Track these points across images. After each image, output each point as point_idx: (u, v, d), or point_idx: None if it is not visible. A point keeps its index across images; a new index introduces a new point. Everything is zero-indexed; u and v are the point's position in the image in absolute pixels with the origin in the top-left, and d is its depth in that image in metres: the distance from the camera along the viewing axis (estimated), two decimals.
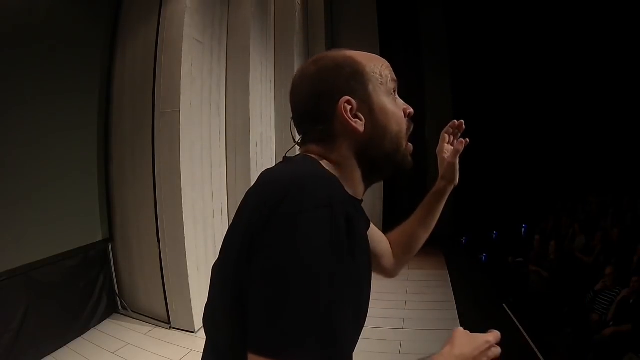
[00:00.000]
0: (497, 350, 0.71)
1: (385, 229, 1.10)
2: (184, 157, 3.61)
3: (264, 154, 4.94)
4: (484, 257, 6.27)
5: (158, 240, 3.75)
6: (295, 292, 0.54)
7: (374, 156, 0.75)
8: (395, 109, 0.76)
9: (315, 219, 0.57)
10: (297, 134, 0.80)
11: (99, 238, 3.85)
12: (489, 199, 7.96)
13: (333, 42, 7.11)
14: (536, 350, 3.52)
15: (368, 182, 0.78)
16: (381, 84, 0.75)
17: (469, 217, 7.78)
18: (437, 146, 1.07)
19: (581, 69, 8.06)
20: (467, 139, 1.03)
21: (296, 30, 5.84)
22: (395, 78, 0.78)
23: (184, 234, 3.61)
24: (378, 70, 0.76)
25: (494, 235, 7.16)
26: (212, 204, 4.12)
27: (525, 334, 3.82)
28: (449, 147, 1.06)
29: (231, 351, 0.64)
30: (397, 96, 0.78)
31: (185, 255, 3.63)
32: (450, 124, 1.07)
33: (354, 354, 0.68)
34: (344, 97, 0.72)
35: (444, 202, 1.07)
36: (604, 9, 7.58)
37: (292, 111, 0.79)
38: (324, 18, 6.84)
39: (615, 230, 4.98)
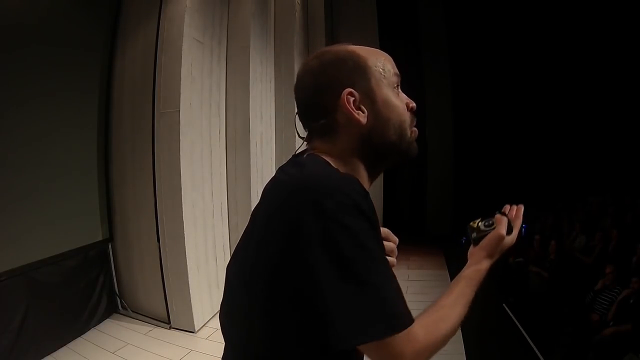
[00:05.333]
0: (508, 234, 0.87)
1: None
2: (184, 157, 3.61)
3: (264, 154, 4.93)
4: None
5: (158, 240, 3.75)
6: (363, 278, 0.60)
7: (378, 144, 0.75)
8: (397, 102, 0.76)
9: (354, 214, 0.61)
10: (302, 128, 0.81)
11: (99, 238, 3.85)
12: (489, 199, 7.95)
13: (333, 42, 7.08)
14: (536, 350, 3.52)
15: (372, 175, 0.79)
16: (384, 77, 0.76)
17: (469, 217, 7.76)
18: (436, 146, 1.05)
19: (581, 69, 8.07)
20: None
21: (296, 30, 5.84)
22: (398, 73, 0.79)
23: (184, 234, 3.61)
24: (380, 64, 0.76)
25: None
26: (212, 204, 4.12)
27: (525, 334, 3.82)
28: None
29: (247, 346, 0.68)
30: (399, 90, 0.79)
31: (185, 255, 3.63)
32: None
33: None
34: (346, 89, 0.73)
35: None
36: (604, 8, 7.58)
37: (297, 105, 0.80)
38: (324, 18, 6.84)
39: (615, 230, 4.98)
